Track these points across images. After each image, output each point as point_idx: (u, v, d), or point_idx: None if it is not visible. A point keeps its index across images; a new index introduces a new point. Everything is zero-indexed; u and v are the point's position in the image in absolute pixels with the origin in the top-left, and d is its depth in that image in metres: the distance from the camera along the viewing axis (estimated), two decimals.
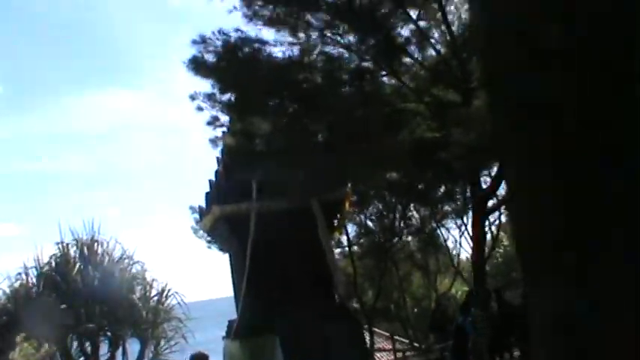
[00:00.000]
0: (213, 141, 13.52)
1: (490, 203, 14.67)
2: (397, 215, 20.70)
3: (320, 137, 11.94)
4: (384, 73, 12.13)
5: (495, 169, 12.89)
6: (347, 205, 15.89)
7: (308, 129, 11.69)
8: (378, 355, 19.65)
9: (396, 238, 21.85)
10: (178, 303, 16.24)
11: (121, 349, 15.43)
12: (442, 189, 15.14)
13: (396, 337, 24.46)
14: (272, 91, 11.72)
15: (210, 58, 11.13)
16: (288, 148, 12.18)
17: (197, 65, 11.18)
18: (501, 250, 30.21)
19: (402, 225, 21.54)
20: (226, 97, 12.75)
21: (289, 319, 13.93)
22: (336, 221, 16.09)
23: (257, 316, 14.66)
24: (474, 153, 11.65)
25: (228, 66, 11.34)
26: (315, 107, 11.36)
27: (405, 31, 11.84)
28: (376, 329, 24.61)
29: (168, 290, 16.03)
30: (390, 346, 23.10)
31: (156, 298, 16.33)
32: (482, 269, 13.82)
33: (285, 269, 14.47)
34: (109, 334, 15.64)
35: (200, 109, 12.68)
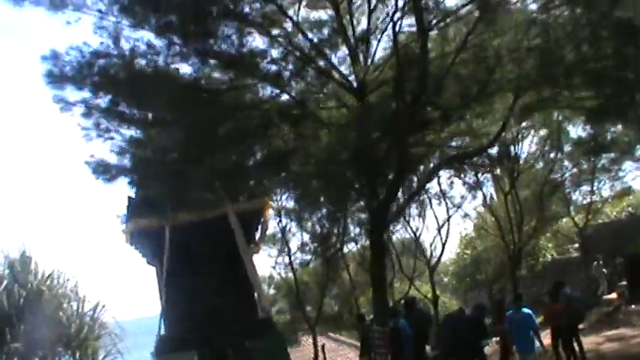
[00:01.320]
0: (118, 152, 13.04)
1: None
2: (340, 221, 20.29)
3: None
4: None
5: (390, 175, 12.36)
6: (266, 214, 15.51)
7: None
8: None
9: (339, 245, 21.42)
10: (113, 318, 16.02)
11: None
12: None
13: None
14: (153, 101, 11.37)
15: (69, 71, 10.76)
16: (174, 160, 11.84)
17: (57, 79, 10.81)
18: (469, 252, 29.31)
19: (342, 231, 21.09)
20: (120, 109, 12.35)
21: (207, 334, 13.54)
22: (257, 233, 15.71)
23: (175, 332, 14.31)
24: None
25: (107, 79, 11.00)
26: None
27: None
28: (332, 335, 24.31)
29: (103, 306, 15.79)
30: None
31: (90, 313, 16.09)
32: (382, 284, 13.17)
33: (202, 283, 14.03)
34: (40, 353, 15.39)
35: (97, 125, 12.31)
